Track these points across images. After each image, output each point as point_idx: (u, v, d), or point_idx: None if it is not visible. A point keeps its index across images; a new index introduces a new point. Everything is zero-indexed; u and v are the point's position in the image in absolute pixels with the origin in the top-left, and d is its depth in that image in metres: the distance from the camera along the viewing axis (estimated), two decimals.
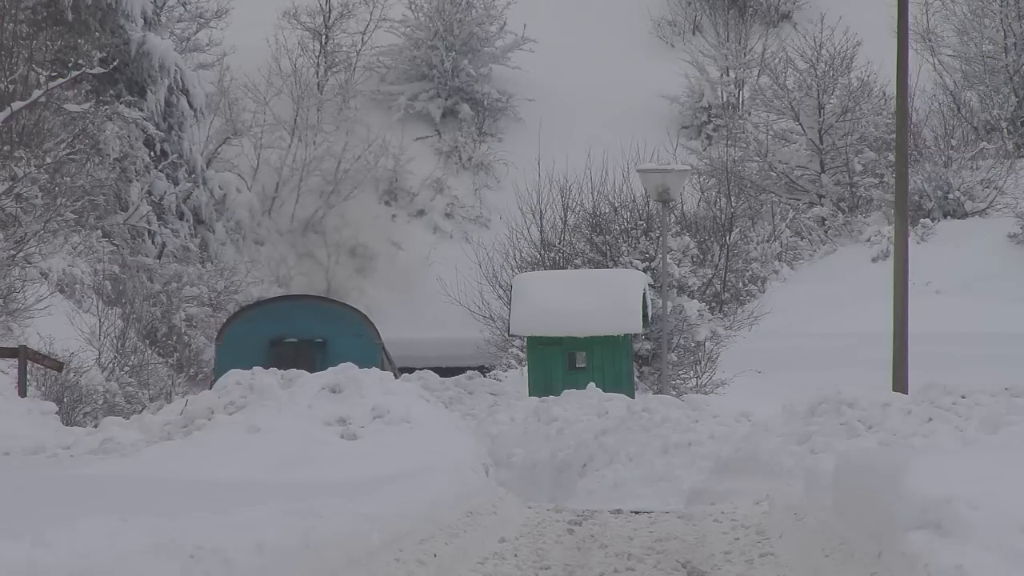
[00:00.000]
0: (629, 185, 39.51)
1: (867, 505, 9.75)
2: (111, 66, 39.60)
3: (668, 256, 32.43)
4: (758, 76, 59.33)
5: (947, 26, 59.59)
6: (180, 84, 46.87)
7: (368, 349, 26.79)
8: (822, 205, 55.04)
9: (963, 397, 15.44)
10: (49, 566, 7.06)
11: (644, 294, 29.56)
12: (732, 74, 62.37)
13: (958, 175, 52.86)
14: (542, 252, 40.06)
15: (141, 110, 45.01)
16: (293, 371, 17.57)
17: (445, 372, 32.03)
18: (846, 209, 54.79)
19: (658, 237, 33.89)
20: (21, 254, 32.72)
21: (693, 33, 65.98)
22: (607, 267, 34.88)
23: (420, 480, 13.27)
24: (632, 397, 26.34)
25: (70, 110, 37.17)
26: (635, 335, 30.19)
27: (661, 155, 47.38)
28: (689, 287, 35.25)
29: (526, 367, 30.52)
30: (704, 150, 58.23)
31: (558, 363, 28.82)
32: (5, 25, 36.19)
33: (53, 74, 35.84)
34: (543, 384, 28.34)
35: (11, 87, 34.75)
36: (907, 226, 23.40)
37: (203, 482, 12.40)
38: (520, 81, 60.61)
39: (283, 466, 13.91)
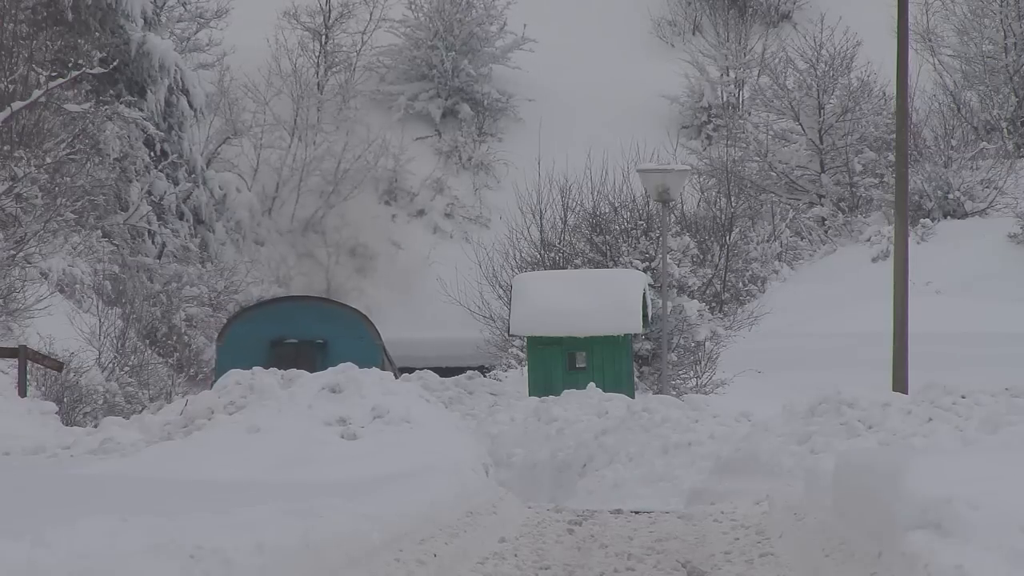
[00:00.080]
0: (629, 185, 39.49)
1: (867, 505, 9.74)
2: (111, 66, 39.60)
3: (668, 256, 32.42)
4: (758, 76, 59.29)
5: (947, 26, 59.57)
6: (180, 84, 46.86)
7: (368, 349, 26.80)
8: (822, 205, 55.01)
9: (963, 397, 15.44)
10: (49, 566, 7.05)
11: (644, 294, 29.55)
12: (732, 74, 62.34)
13: (958, 175, 52.84)
14: (542, 252, 40.04)
15: (141, 110, 45.01)
16: (293, 371, 17.56)
17: (445, 372, 32.03)
18: (846, 209, 54.76)
19: (658, 237, 33.88)
20: (21, 254, 32.72)
21: (693, 33, 65.95)
22: (607, 267, 34.86)
23: (420, 480, 13.27)
24: (632, 397, 26.33)
25: (70, 110, 37.17)
26: (635, 335, 30.18)
27: (661, 155, 47.37)
28: (689, 287, 35.24)
29: (526, 367, 30.51)
30: (704, 150, 58.20)
31: (558, 363, 28.80)
32: (5, 25, 36.19)
33: (53, 74, 35.83)
34: (543, 384, 28.33)
35: (11, 87, 34.75)
36: (907, 226, 23.40)
37: (203, 482, 12.39)
38: (520, 81, 60.59)
39: (283, 466, 13.90)
